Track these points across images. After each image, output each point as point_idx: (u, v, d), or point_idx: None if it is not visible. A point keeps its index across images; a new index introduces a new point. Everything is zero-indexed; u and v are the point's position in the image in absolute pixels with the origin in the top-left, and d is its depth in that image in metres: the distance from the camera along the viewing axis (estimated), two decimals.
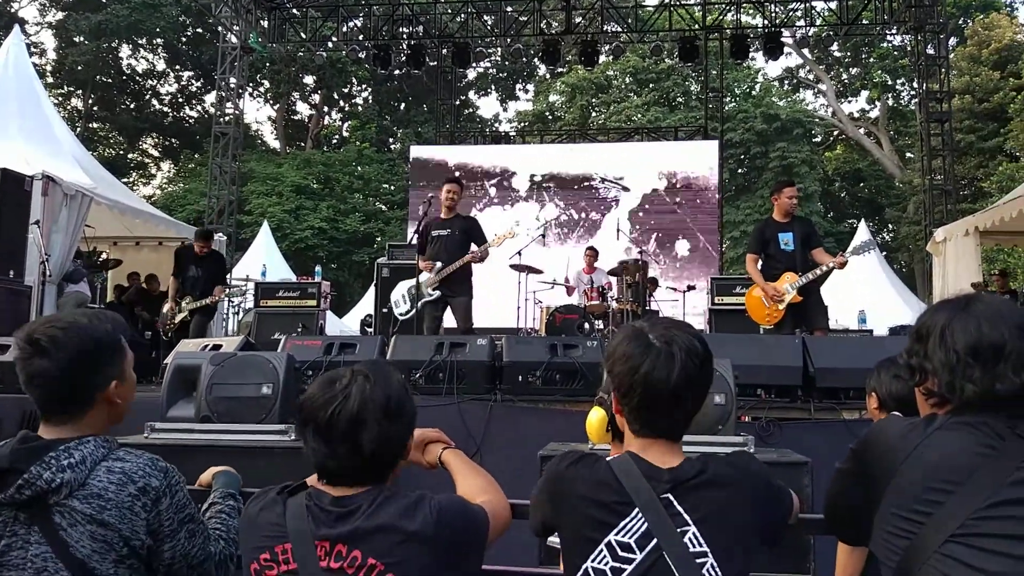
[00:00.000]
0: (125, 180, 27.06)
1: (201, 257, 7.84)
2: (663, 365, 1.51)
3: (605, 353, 1.66)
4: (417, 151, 17.68)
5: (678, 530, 1.44)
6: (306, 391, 1.58)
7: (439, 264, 6.39)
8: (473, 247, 6.41)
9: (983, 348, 1.37)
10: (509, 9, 16.22)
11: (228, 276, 12.21)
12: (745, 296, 6.31)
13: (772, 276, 5.97)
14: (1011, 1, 30.11)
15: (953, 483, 1.31)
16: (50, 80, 29.48)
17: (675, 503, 1.48)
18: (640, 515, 1.47)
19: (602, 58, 15.88)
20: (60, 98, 30.28)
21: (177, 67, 33.66)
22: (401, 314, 6.72)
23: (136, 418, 3.53)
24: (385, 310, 8.26)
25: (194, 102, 34.83)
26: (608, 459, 1.59)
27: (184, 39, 32.57)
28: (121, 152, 33.68)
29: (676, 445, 1.59)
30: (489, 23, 15.89)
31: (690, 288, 10.09)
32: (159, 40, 31.95)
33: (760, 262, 6.09)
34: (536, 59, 20.87)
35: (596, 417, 2.63)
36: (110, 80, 32.04)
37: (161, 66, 33.54)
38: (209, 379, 3.57)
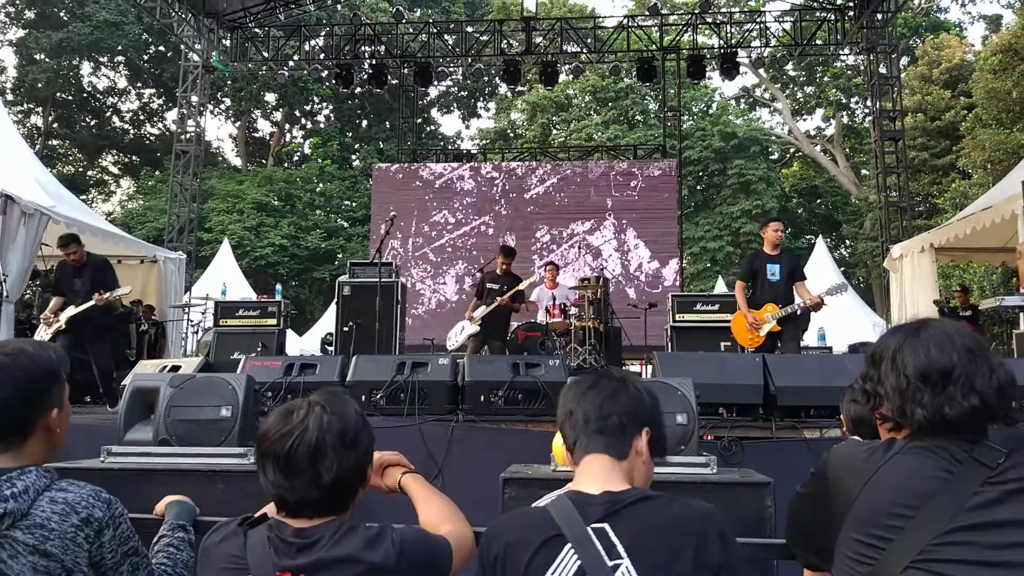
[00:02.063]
0: (84, 197, 26.51)
1: (79, 267, 6.95)
2: (603, 389, 1.65)
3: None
4: (380, 168, 17.65)
5: (610, 564, 1.38)
6: (263, 424, 1.57)
7: (483, 308, 8.30)
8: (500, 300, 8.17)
9: (932, 372, 1.38)
10: (470, 29, 16.32)
11: (187, 294, 12.05)
12: (732, 319, 6.79)
13: (757, 304, 6.52)
14: (959, 22, 31.15)
15: (912, 508, 1.31)
16: (10, 97, 28.93)
17: (610, 533, 1.42)
18: (572, 550, 1.41)
19: (562, 77, 16.02)
20: (20, 115, 29.70)
21: (138, 84, 33.26)
22: (450, 348, 8.61)
23: (93, 441, 3.46)
24: (346, 328, 8.20)
25: (155, 119, 34.47)
26: (543, 502, 1.59)
27: (146, 57, 32.20)
28: (81, 169, 33.12)
29: (619, 469, 1.56)
30: (450, 42, 15.95)
31: (651, 306, 10.14)
32: (120, 58, 31.57)
33: (748, 290, 6.63)
34: (497, 78, 20.99)
35: (559, 440, 2.64)
36: (71, 97, 31.55)
37: (122, 84, 33.15)
38: (167, 401, 3.51)
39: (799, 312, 6.35)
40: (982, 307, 9.42)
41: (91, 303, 6.70)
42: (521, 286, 8.41)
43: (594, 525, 1.43)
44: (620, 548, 1.39)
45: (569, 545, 1.41)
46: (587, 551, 1.39)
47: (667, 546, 1.40)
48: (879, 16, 14.18)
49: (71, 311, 6.81)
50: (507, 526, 1.54)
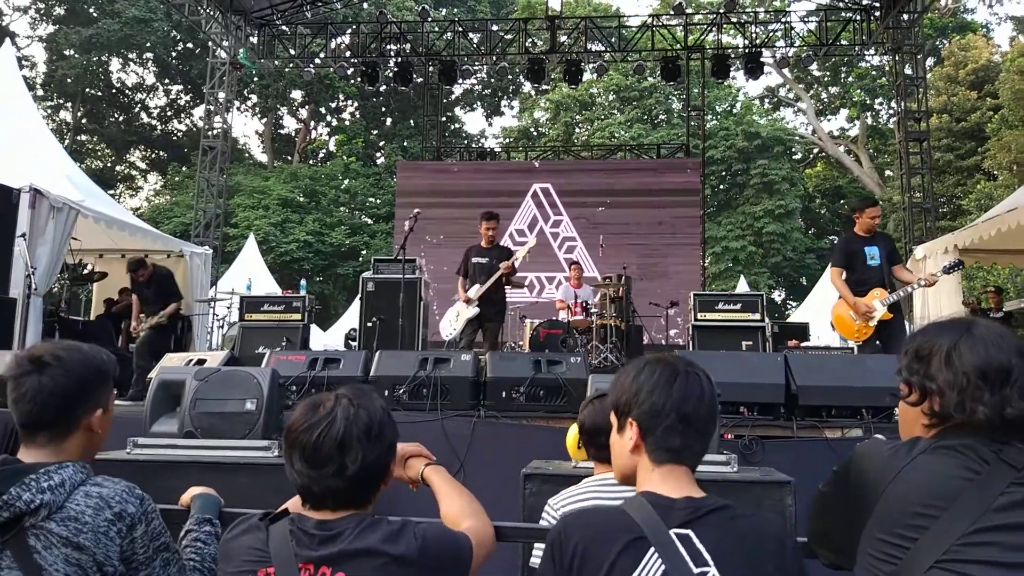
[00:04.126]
0: (112, 192, 26.91)
1: (143, 283, 7.85)
2: (694, 386, 1.53)
3: (617, 386, 1.61)
4: (404, 165, 17.71)
5: (696, 571, 1.36)
6: (291, 416, 1.59)
7: (477, 287, 7.25)
8: (503, 265, 7.21)
9: (991, 371, 1.37)
10: (495, 28, 16.35)
11: (213, 288, 12.19)
12: (833, 310, 6.31)
13: (860, 292, 5.98)
14: (986, 22, 30.67)
15: (938, 508, 1.30)
16: (40, 93, 29.36)
17: (694, 539, 1.40)
18: (656, 555, 1.38)
19: (586, 76, 16.00)
20: (49, 110, 30.14)
21: (166, 81, 33.63)
22: (448, 335, 7.44)
23: (119, 433, 3.52)
24: (370, 324, 8.26)
25: (182, 116, 34.83)
26: (620, 503, 1.52)
27: (174, 54, 32.55)
28: (109, 164, 33.54)
29: (693, 477, 1.53)
30: (475, 41, 15.99)
31: (673, 304, 10.13)
32: (149, 54, 31.93)
33: (844, 276, 6.11)
34: (521, 76, 21.02)
35: (572, 435, 2.65)
36: (99, 93, 31.96)
37: (150, 80, 33.54)
38: (193, 394, 3.55)
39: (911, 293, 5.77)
40: (1007, 308, 9.29)
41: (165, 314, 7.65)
42: (519, 255, 7.43)
43: (677, 530, 1.41)
44: (706, 555, 1.37)
45: (653, 549, 1.39)
46: (672, 556, 1.37)
47: (751, 555, 1.40)
48: (905, 16, 14.02)
49: (153, 320, 7.66)
50: (584, 523, 1.50)
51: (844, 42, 15.02)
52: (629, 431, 1.56)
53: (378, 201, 30.53)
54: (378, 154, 34.02)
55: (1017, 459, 1.32)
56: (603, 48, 15.92)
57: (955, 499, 1.29)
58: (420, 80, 17.65)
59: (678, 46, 15.31)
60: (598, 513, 1.56)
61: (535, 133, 33.09)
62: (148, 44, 30.54)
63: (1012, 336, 1.44)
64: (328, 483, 1.51)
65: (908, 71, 14.29)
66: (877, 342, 5.93)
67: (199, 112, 28.85)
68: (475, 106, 35.67)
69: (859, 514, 1.40)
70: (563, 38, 15.15)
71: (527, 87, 32.87)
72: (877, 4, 14.31)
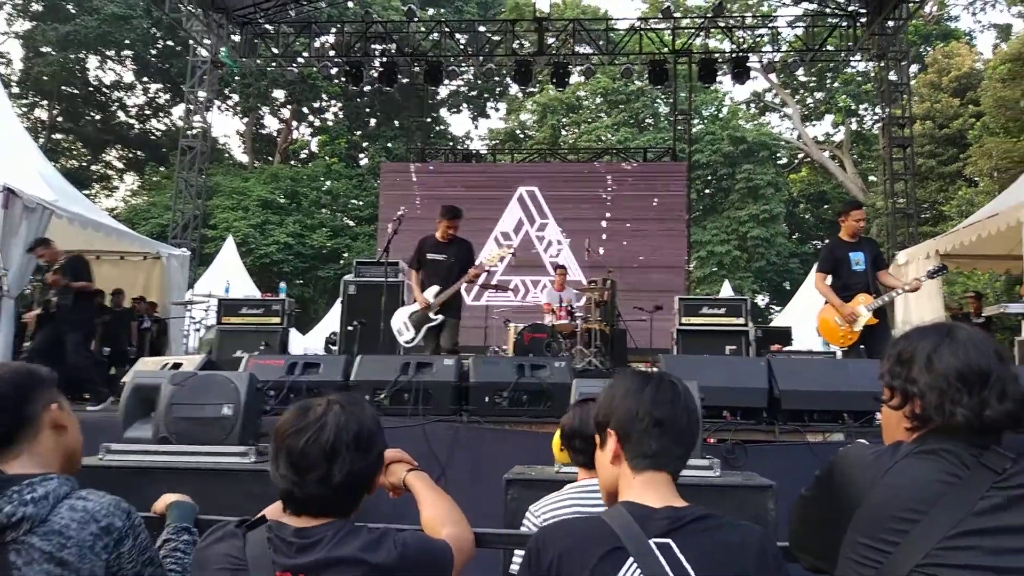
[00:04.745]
0: (87, 192, 26.62)
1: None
2: (666, 392, 1.53)
3: (600, 402, 1.61)
4: (388, 166, 17.63)
5: None
6: (280, 418, 1.57)
7: (436, 288, 6.55)
8: (470, 273, 6.60)
9: (971, 374, 1.39)
10: (482, 29, 16.32)
11: (190, 291, 12.04)
12: (818, 316, 6.29)
13: (846, 297, 5.99)
14: (970, 30, 31.03)
15: (919, 512, 1.31)
16: (15, 90, 28.99)
17: (675, 548, 1.38)
18: (635, 565, 1.37)
19: (573, 78, 16.01)
20: (24, 108, 29.78)
21: (145, 79, 33.28)
22: (407, 342, 6.70)
23: (92, 439, 3.44)
24: (351, 328, 8.17)
25: (161, 115, 34.44)
26: (600, 513, 1.51)
27: (153, 51, 32.22)
28: (85, 164, 33.14)
29: (674, 486, 1.53)
30: (462, 42, 15.94)
31: (657, 308, 10.12)
32: (128, 52, 31.58)
33: (829, 280, 6.13)
34: (508, 78, 21.01)
35: (558, 436, 2.64)
36: (76, 91, 31.56)
37: (129, 78, 33.15)
38: (168, 399, 3.51)
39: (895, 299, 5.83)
40: (986, 313, 9.39)
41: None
42: (487, 259, 6.87)
43: (657, 540, 1.39)
44: (686, 565, 1.36)
45: (632, 559, 1.37)
46: (651, 566, 1.36)
47: (732, 565, 1.39)
48: (890, 23, 14.12)
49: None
50: (561, 532, 1.48)
51: (830, 47, 15.13)
52: (610, 441, 1.55)
53: (361, 203, 30.36)
54: (361, 155, 33.87)
55: (997, 463, 1.33)
56: (591, 51, 15.93)
57: (936, 503, 1.30)
58: (405, 81, 17.59)
59: (665, 50, 15.35)
60: (577, 523, 1.54)
61: (521, 135, 33.09)
62: (127, 41, 30.22)
63: (992, 341, 1.46)
64: (312, 490, 1.49)
65: (893, 77, 14.41)
66: (862, 347, 5.97)
67: (178, 111, 28.66)
68: (461, 108, 35.60)
69: (841, 519, 1.41)
70: (551, 40, 15.14)
71: (514, 89, 32.90)
72: (863, 10, 14.42)
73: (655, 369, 1.75)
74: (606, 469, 1.58)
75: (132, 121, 34.06)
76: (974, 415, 1.36)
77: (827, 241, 7.50)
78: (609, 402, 1.56)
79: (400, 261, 8.10)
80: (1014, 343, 8.73)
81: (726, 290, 21.39)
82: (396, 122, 32.05)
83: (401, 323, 6.72)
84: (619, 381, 1.59)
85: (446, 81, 16.05)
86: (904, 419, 1.46)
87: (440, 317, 6.57)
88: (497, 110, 36.23)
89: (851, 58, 15.98)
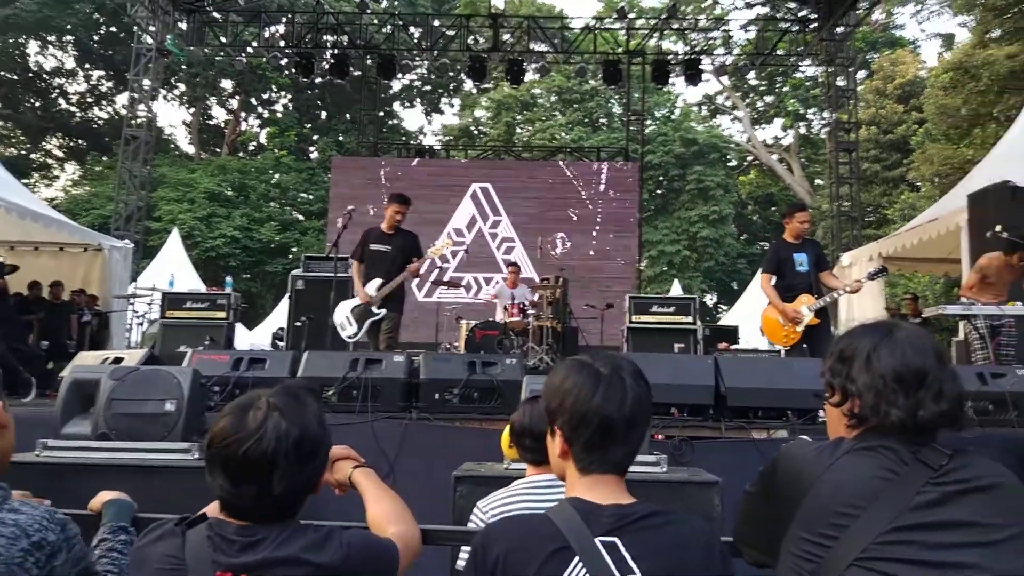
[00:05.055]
0: (26, 181, 25.69)
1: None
2: (615, 392, 1.46)
3: (546, 390, 1.55)
4: (339, 160, 17.42)
5: None
6: (216, 423, 1.49)
7: (379, 281, 6.42)
8: (410, 268, 6.48)
9: (907, 374, 1.41)
10: (436, 23, 16.23)
11: (133, 284, 11.75)
12: (762, 316, 6.37)
13: (789, 297, 6.09)
14: (915, 39, 31.97)
15: (858, 507, 1.33)
16: None
17: (620, 547, 1.37)
18: (580, 564, 1.35)
19: (528, 76, 16.04)
20: None
21: (87, 66, 32.20)
22: (349, 336, 6.56)
23: (27, 434, 3.32)
24: (298, 324, 8.05)
25: (104, 103, 33.37)
26: (546, 511, 1.48)
27: (96, 37, 31.23)
28: (23, 152, 31.99)
29: (623, 483, 1.50)
30: (416, 36, 15.82)
31: (608, 306, 10.21)
32: (69, 37, 30.54)
33: (773, 281, 6.22)
34: (463, 74, 20.91)
35: (506, 433, 2.64)
36: (15, 77, 30.43)
37: (70, 64, 32.02)
38: (108, 394, 3.42)
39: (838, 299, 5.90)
40: (924, 314, 9.69)
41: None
42: (431, 251, 6.68)
43: (602, 538, 1.38)
44: (631, 563, 1.35)
45: (577, 558, 1.35)
46: (596, 565, 1.34)
47: (677, 562, 1.38)
48: (839, 29, 14.49)
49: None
50: (506, 531, 1.46)
51: (780, 52, 15.44)
52: (558, 438, 1.52)
53: (310, 197, 29.93)
54: (311, 148, 33.37)
55: (934, 459, 1.36)
56: (546, 49, 15.97)
57: (875, 499, 1.33)
58: (357, 74, 17.40)
59: (619, 50, 15.47)
60: (523, 521, 1.54)
61: (476, 132, 33.02)
62: (68, 26, 29.21)
63: (933, 339, 1.48)
64: (249, 501, 1.44)
65: (840, 83, 14.78)
66: (804, 346, 6.08)
67: (122, 99, 27.78)
68: (415, 102, 35.35)
69: (784, 514, 1.43)
70: (506, 36, 15.14)
71: (468, 84, 32.82)
72: (814, 16, 14.75)
73: (608, 354, 1.64)
74: (556, 460, 1.56)
75: (73, 109, 32.93)
76: (908, 416, 1.38)
77: (772, 242, 7.65)
78: (561, 398, 1.50)
79: (349, 257, 7.99)
80: (951, 344, 9.03)
81: (676, 289, 21.70)
82: (348, 115, 31.65)
83: (344, 317, 6.60)
84: (571, 377, 1.51)
85: (399, 75, 15.93)
86: (844, 416, 1.49)
87: (383, 311, 6.43)
88: (451, 106, 36.11)
89: (800, 63, 16.34)
